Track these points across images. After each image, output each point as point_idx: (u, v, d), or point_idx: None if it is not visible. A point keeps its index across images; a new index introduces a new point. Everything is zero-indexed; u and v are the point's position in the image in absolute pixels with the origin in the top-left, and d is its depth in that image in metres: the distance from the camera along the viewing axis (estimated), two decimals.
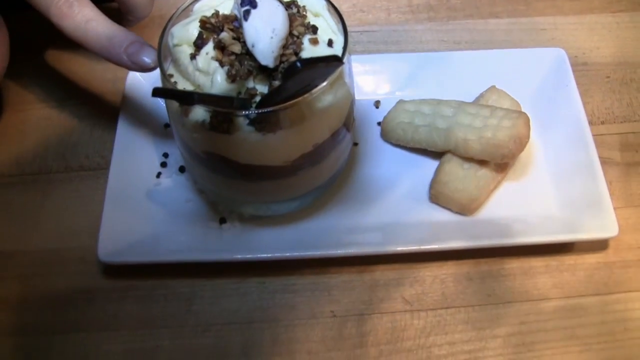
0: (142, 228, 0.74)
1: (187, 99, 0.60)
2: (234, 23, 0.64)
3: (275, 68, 0.62)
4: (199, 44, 0.65)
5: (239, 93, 0.63)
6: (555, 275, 0.73)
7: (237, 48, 0.63)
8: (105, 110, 0.86)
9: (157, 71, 0.66)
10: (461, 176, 0.75)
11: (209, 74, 0.63)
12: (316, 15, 0.68)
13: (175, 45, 0.66)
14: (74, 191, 0.80)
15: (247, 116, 0.61)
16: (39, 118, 0.86)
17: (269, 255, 0.72)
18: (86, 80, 0.89)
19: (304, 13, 0.67)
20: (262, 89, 0.63)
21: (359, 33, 0.94)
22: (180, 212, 0.76)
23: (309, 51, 0.64)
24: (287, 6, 0.66)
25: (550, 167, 0.79)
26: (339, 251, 0.72)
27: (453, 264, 0.74)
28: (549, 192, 0.78)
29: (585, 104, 0.81)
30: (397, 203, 0.77)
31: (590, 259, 0.74)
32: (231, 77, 0.62)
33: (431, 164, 0.79)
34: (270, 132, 0.63)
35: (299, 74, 0.57)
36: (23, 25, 0.75)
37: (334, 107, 0.66)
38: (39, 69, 0.91)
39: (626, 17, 0.96)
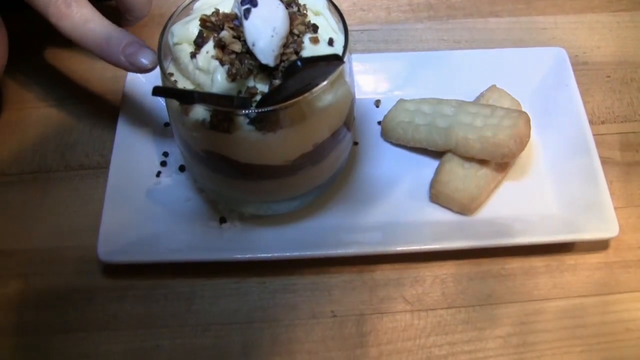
0: (142, 227, 0.74)
1: (187, 98, 0.60)
2: (235, 22, 0.64)
3: (276, 67, 0.62)
4: (199, 43, 0.64)
5: (240, 92, 0.62)
6: (555, 276, 0.73)
7: (237, 47, 0.63)
8: (105, 109, 0.86)
9: (157, 70, 0.65)
10: (461, 176, 0.75)
11: (209, 72, 0.63)
12: (317, 14, 0.68)
13: (176, 44, 0.66)
14: (73, 190, 0.80)
15: (247, 115, 0.61)
16: (39, 117, 0.86)
17: (269, 255, 0.71)
18: (86, 78, 0.89)
19: (305, 12, 0.67)
20: (262, 88, 0.63)
21: (359, 32, 0.94)
22: (180, 211, 0.76)
23: (309, 50, 0.64)
24: (288, 5, 0.66)
25: (550, 167, 0.79)
26: (339, 251, 0.72)
27: (453, 264, 0.74)
28: (550, 191, 0.77)
29: (585, 103, 0.81)
30: (397, 203, 0.77)
31: (591, 259, 0.74)
32: (231, 76, 0.62)
33: (432, 164, 0.79)
34: (270, 132, 0.63)
35: (300, 73, 0.57)
36: (22, 24, 0.75)
37: (334, 107, 0.65)
38: (39, 67, 0.90)
39: (627, 16, 0.96)
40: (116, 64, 0.70)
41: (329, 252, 0.72)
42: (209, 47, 0.64)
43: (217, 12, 0.65)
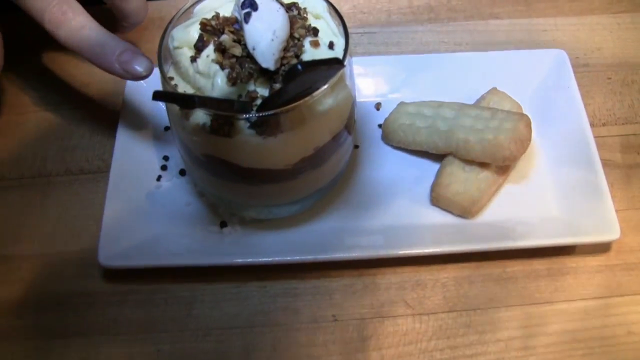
0: (142, 231, 0.74)
1: (188, 102, 0.60)
2: (235, 25, 0.64)
3: (276, 71, 0.62)
4: (199, 47, 0.64)
5: (240, 96, 0.62)
6: (557, 279, 0.73)
7: (237, 51, 0.62)
8: (106, 113, 0.86)
9: (158, 73, 0.65)
10: (462, 179, 0.75)
11: (210, 76, 0.63)
12: (317, 17, 0.68)
13: (176, 48, 0.66)
14: (74, 194, 0.80)
15: (247, 119, 0.61)
16: (39, 120, 0.86)
17: (270, 259, 0.71)
18: (86, 82, 0.88)
19: (305, 15, 0.67)
20: (263, 92, 0.63)
21: (359, 34, 0.94)
22: (180, 215, 0.76)
23: (310, 54, 0.64)
24: (288, 8, 0.66)
25: (551, 169, 0.79)
26: (340, 255, 0.72)
27: (454, 267, 0.74)
28: (550, 194, 0.77)
29: (586, 105, 0.81)
30: (398, 206, 0.77)
31: (592, 261, 0.74)
32: (232, 80, 0.62)
33: (432, 167, 0.79)
34: (271, 136, 0.62)
35: (300, 77, 0.57)
36: (21, 27, 0.75)
37: (334, 110, 0.65)
38: (39, 71, 0.90)
39: (627, 17, 0.95)
40: (110, 71, 0.70)
41: (330, 256, 0.72)
42: (210, 51, 0.64)
43: (217, 15, 0.65)
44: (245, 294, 0.73)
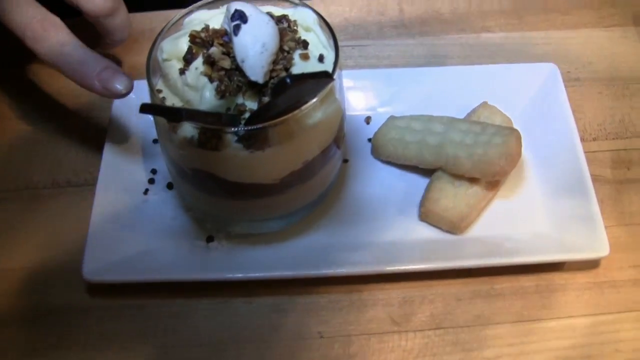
0: (128, 246, 0.73)
1: (175, 115, 0.59)
2: (224, 38, 0.64)
3: (265, 84, 0.62)
4: (188, 59, 0.64)
5: (228, 109, 0.62)
6: (545, 296, 0.73)
7: (226, 63, 0.62)
8: (94, 125, 0.85)
9: (146, 86, 0.65)
10: (452, 194, 0.74)
11: (198, 89, 0.63)
12: (307, 30, 0.67)
13: (165, 60, 0.65)
14: (60, 207, 0.79)
15: (235, 133, 0.60)
16: (26, 132, 0.85)
17: (257, 274, 0.71)
18: (74, 94, 0.87)
19: (295, 28, 0.67)
20: (251, 105, 0.62)
21: (350, 47, 0.93)
22: (167, 229, 0.75)
23: (299, 66, 0.64)
24: (278, 21, 0.66)
25: (541, 185, 0.79)
26: (327, 271, 0.71)
27: (442, 284, 0.73)
28: (540, 210, 0.77)
29: (577, 120, 0.81)
30: (387, 221, 0.76)
31: (581, 278, 0.74)
32: (220, 93, 0.61)
33: (422, 182, 0.78)
34: (259, 149, 0.62)
35: (289, 90, 0.56)
36: (8, 38, 0.74)
37: (324, 124, 0.65)
38: (26, 82, 0.89)
39: (619, 32, 0.95)
40: (90, 89, 0.70)
41: (317, 272, 0.71)
42: (198, 64, 0.63)
43: (206, 28, 0.65)
44: (231, 309, 0.72)
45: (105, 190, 0.76)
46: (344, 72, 0.70)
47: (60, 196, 0.80)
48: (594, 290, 0.73)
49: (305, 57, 0.64)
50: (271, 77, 0.62)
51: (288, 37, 0.64)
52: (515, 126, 0.79)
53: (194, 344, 0.70)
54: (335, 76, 0.62)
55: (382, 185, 0.79)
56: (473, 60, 0.92)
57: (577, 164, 0.77)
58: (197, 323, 0.71)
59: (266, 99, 0.62)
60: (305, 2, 0.69)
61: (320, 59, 0.65)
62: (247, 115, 0.62)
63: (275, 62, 0.62)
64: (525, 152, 0.77)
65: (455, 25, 0.96)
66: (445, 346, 0.70)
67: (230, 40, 0.62)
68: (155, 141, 0.81)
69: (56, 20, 0.71)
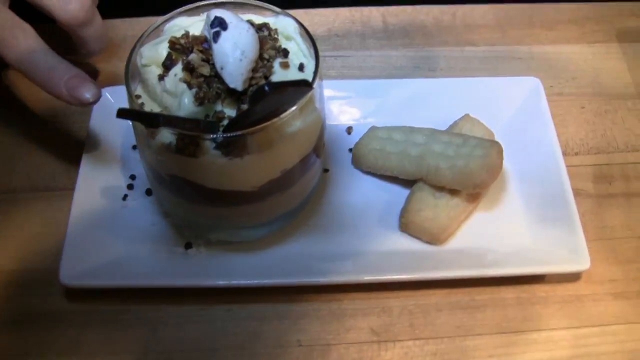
0: (106, 251, 0.73)
1: (152, 120, 0.59)
2: (204, 44, 0.64)
3: (245, 91, 0.62)
4: (167, 65, 0.64)
5: (207, 116, 0.62)
6: (526, 308, 0.72)
7: (206, 70, 0.62)
8: (73, 130, 0.85)
9: (125, 91, 0.64)
10: (432, 205, 0.74)
11: (177, 95, 0.63)
12: (288, 38, 0.67)
13: (144, 66, 0.65)
14: (38, 212, 0.78)
15: (213, 140, 0.60)
16: (5, 136, 0.85)
17: (235, 282, 0.71)
18: (53, 98, 0.86)
19: (276, 36, 0.66)
20: (230, 112, 0.62)
21: (333, 58, 0.94)
22: (145, 235, 0.75)
23: (279, 75, 0.64)
24: (259, 29, 0.66)
25: (522, 198, 0.79)
26: (307, 279, 0.71)
27: (422, 294, 0.73)
28: (521, 222, 0.77)
29: (559, 134, 0.81)
30: (367, 231, 0.76)
31: (562, 291, 0.74)
32: (199, 100, 0.61)
33: (402, 192, 0.78)
34: (237, 157, 0.62)
35: (267, 98, 0.56)
36: None
37: (303, 133, 0.65)
38: (4, 87, 0.89)
39: (602, 48, 0.96)
40: (58, 96, 0.70)
41: (296, 280, 0.71)
42: (178, 70, 0.63)
43: (187, 34, 0.65)
44: (210, 316, 0.71)
45: (83, 195, 0.76)
46: (326, 82, 0.70)
47: (38, 200, 0.79)
48: (575, 303, 0.73)
49: (285, 65, 0.64)
50: (250, 85, 0.62)
51: (268, 45, 0.64)
52: (497, 139, 0.79)
53: (172, 350, 0.70)
54: (315, 85, 0.62)
55: (362, 195, 0.79)
56: (456, 73, 0.92)
57: (559, 177, 0.77)
58: (175, 330, 0.71)
59: (245, 107, 0.61)
60: (288, 12, 0.69)
61: (301, 67, 0.65)
62: (225, 122, 0.61)
63: (254, 69, 0.62)
64: (507, 165, 0.78)
65: (439, 38, 0.96)
66: (425, 356, 0.69)
67: (210, 47, 0.62)
68: (134, 147, 0.81)
69: (26, 26, 0.71)
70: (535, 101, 0.84)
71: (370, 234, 0.76)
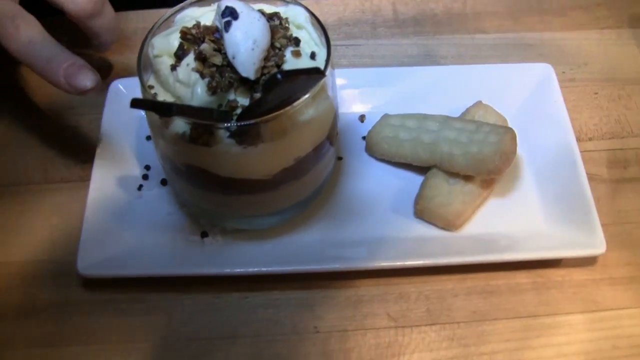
0: (122, 241, 0.73)
1: (166, 110, 0.59)
2: (215, 34, 0.64)
3: (257, 80, 0.62)
4: (179, 55, 0.64)
5: (220, 105, 0.62)
6: (542, 292, 0.72)
7: (218, 59, 0.62)
8: (87, 121, 0.85)
9: (138, 82, 0.65)
10: (446, 191, 0.74)
11: (190, 85, 0.63)
12: (299, 27, 0.67)
13: (156, 56, 0.65)
14: (54, 203, 0.79)
15: (227, 129, 0.60)
16: (20, 128, 0.85)
17: (251, 270, 0.71)
18: None
19: (287, 25, 0.67)
20: (243, 101, 0.62)
21: (344, 47, 0.94)
22: (161, 225, 0.75)
23: (291, 63, 0.64)
24: (270, 18, 0.66)
25: (537, 184, 0.79)
26: (322, 266, 0.71)
27: (438, 280, 0.73)
28: (536, 208, 0.77)
29: (573, 120, 0.81)
30: (381, 218, 0.76)
31: (578, 275, 0.73)
32: (212, 89, 0.61)
33: (416, 179, 0.78)
34: (251, 145, 0.62)
35: (280, 86, 0.56)
36: None
37: (316, 121, 0.65)
38: (20, 79, 0.90)
39: (614, 33, 0.95)
40: (56, 85, 0.69)
41: (312, 267, 0.71)
42: (190, 60, 0.63)
43: (198, 24, 0.65)
44: (226, 304, 0.72)
45: (99, 186, 0.76)
46: (338, 71, 0.70)
47: (54, 192, 0.80)
48: (591, 287, 0.73)
49: (297, 54, 0.64)
50: (262, 74, 0.62)
51: (279, 34, 0.65)
52: (511, 126, 0.79)
53: (188, 339, 0.70)
54: (326, 73, 0.62)
55: (376, 182, 0.79)
56: (467, 61, 0.92)
57: (573, 162, 0.77)
58: (191, 318, 0.71)
59: (257, 95, 0.62)
60: (299, 0, 0.69)
61: (312, 56, 0.66)
62: (239, 111, 0.62)
63: (266, 58, 0.63)
64: (521, 151, 0.78)
65: (449, 26, 0.96)
66: (442, 341, 0.69)
67: (222, 37, 0.62)
68: (148, 138, 0.82)
69: (28, 17, 0.71)
70: (548, 87, 0.84)
71: (385, 220, 0.76)
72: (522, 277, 0.73)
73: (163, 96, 0.65)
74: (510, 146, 0.73)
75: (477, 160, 0.73)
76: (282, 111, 0.60)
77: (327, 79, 0.64)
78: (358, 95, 0.86)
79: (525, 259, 0.72)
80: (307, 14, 0.68)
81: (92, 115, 0.85)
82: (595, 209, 0.73)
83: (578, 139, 0.80)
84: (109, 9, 0.76)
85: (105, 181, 0.77)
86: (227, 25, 0.61)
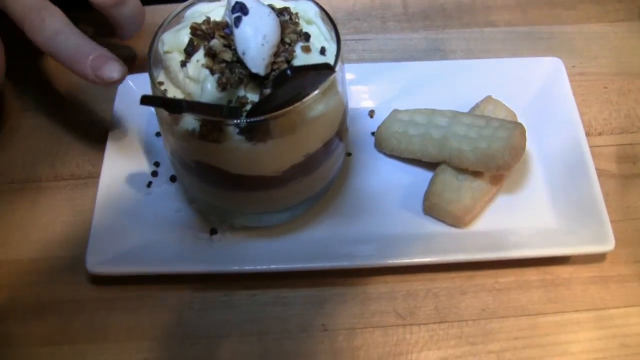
0: (131, 238, 0.73)
1: (176, 107, 0.59)
2: (225, 30, 0.64)
3: (267, 76, 0.62)
4: (189, 51, 0.64)
5: (230, 101, 0.62)
6: (550, 290, 0.72)
7: (227, 55, 0.62)
8: (97, 118, 0.85)
9: (148, 78, 0.64)
10: (455, 187, 0.74)
11: (199, 81, 0.62)
12: (309, 22, 0.67)
13: (166, 52, 0.65)
14: (63, 200, 0.79)
15: (237, 125, 0.60)
16: (29, 126, 0.85)
17: (260, 267, 0.71)
18: (77, 87, 0.88)
19: (297, 20, 0.66)
20: (253, 97, 0.62)
21: (354, 41, 0.93)
22: (170, 222, 0.75)
23: (301, 59, 0.64)
24: (280, 13, 0.65)
25: (546, 179, 0.78)
26: (331, 264, 0.71)
27: (446, 277, 0.73)
28: (545, 204, 0.77)
29: (582, 114, 0.81)
30: (390, 215, 0.76)
31: (586, 272, 0.73)
32: (222, 85, 0.61)
33: (426, 175, 0.78)
34: (260, 142, 0.62)
35: (290, 82, 0.56)
36: (12, 32, 0.74)
37: (325, 117, 0.65)
38: (29, 76, 0.90)
39: (624, 26, 0.95)
40: (83, 76, 0.70)
41: (321, 264, 0.71)
42: (200, 56, 0.63)
43: (207, 20, 0.65)
44: (235, 302, 0.72)
45: (108, 182, 0.76)
46: (348, 66, 0.70)
47: (63, 189, 0.80)
48: (600, 284, 0.73)
49: (306, 49, 0.64)
50: (272, 70, 0.62)
51: (289, 30, 0.64)
52: (520, 120, 0.78)
53: (197, 336, 0.70)
54: (336, 68, 0.62)
55: (385, 178, 0.79)
56: (477, 55, 0.92)
57: (582, 157, 0.77)
58: (200, 315, 0.71)
59: (267, 91, 0.61)
60: None
61: (322, 51, 0.65)
62: (248, 107, 0.61)
63: (276, 54, 0.62)
64: (530, 146, 0.77)
65: (459, 20, 0.96)
66: (450, 339, 0.69)
67: (232, 33, 0.62)
68: (158, 134, 0.81)
69: (54, 9, 0.71)
70: (557, 81, 0.83)
71: (394, 217, 0.76)
72: (530, 275, 0.73)
73: (173, 92, 0.64)
74: (520, 141, 0.73)
75: (486, 155, 0.72)
76: (291, 107, 0.60)
77: (337, 74, 0.64)
78: (367, 90, 0.85)
79: (534, 256, 0.72)
80: (317, 9, 0.67)
81: (102, 112, 0.85)
82: (604, 205, 0.73)
83: (587, 134, 0.80)
84: None
85: (115, 178, 0.77)
86: (237, 20, 0.61)
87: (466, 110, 0.81)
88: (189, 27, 0.65)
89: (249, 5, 0.61)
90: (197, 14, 0.67)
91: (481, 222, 0.75)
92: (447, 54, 0.92)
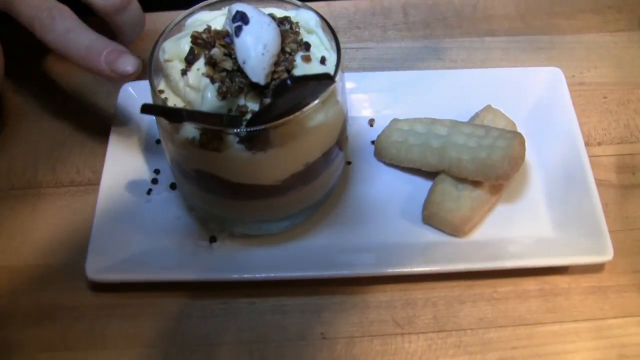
0: (131, 245, 0.73)
1: (176, 116, 0.59)
2: (226, 39, 0.64)
3: (267, 85, 0.62)
4: (190, 60, 0.64)
5: (230, 110, 0.62)
6: (549, 299, 0.72)
7: (228, 64, 0.62)
8: (97, 125, 0.85)
9: (149, 86, 0.65)
10: (455, 196, 0.74)
11: (200, 90, 0.63)
12: (309, 32, 0.67)
13: (167, 60, 0.65)
14: (64, 206, 0.79)
15: (237, 134, 0.60)
16: (30, 132, 0.86)
17: (259, 275, 0.71)
18: (78, 93, 0.88)
19: (297, 30, 0.67)
20: (253, 106, 0.62)
21: (354, 50, 0.94)
22: (170, 229, 0.75)
23: (301, 68, 0.64)
24: (280, 22, 0.66)
25: (545, 189, 0.78)
26: (330, 272, 0.71)
27: (445, 286, 0.73)
28: (544, 214, 0.77)
29: (581, 124, 0.81)
30: (389, 223, 0.76)
31: (585, 282, 0.73)
32: (222, 94, 0.61)
33: (425, 184, 0.78)
34: (260, 151, 0.62)
35: (290, 92, 0.56)
36: (13, 37, 0.75)
37: (325, 126, 0.65)
38: (30, 82, 0.90)
39: (624, 36, 0.95)
40: (98, 73, 0.70)
41: (320, 273, 0.71)
42: (200, 64, 0.63)
43: (208, 29, 0.65)
44: (234, 309, 0.72)
45: (108, 189, 0.77)
46: (348, 75, 0.70)
47: (63, 195, 0.80)
48: (598, 294, 0.73)
49: (307, 59, 0.64)
50: (273, 79, 0.62)
51: (290, 39, 0.64)
52: (519, 130, 0.79)
53: (196, 344, 0.70)
54: (336, 78, 0.62)
55: (385, 187, 0.79)
56: (477, 64, 0.92)
57: (581, 167, 0.77)
58: (199, 323, 0.71)
59: (267, 101, 0.62)
60: (309, 4, 0.69)
61: (322, 61, 0.65)
62: (248, 116, 0.62)
63: (276, 63, 0.62)
64: (529, 156, 0.77)
65: (460, 29, 0.96)
66: (448, 349, 0.69)
67: (232, 42, 0.62)
68: (158, 142, 0.82)
69: (63, 8, 0.71)
70: (557, 91, 0.83)
71: (393, 226, 0.76)
72: (529, 284, 0.73)
73: (173, 100, 0.65)
74: (519, 151, 0.73)
75: (485, 165, 0.72)
76: (291, 116, 0.60)
77: (337, 84, 0.64)
78: (367, 98, 0.86)
79: (533, 266, 0.72)
80: (317, 19, 0.68)
81: (102, 119, 0.85)
82: (603, 216, 0.73)
83: (587, 144, 0.80)
84: (135, 4, 0.76)
85: (115, 185, 0.77)
86: (238, 30, 0.61)
87: (466, 119, 0.81)
88: (189, 35, 0.65)
89: (249, 15, 0.61)
90: (198, 22, 0.67)
91: (480, 232, 0.75)
92: (448, 63, 0.92)
